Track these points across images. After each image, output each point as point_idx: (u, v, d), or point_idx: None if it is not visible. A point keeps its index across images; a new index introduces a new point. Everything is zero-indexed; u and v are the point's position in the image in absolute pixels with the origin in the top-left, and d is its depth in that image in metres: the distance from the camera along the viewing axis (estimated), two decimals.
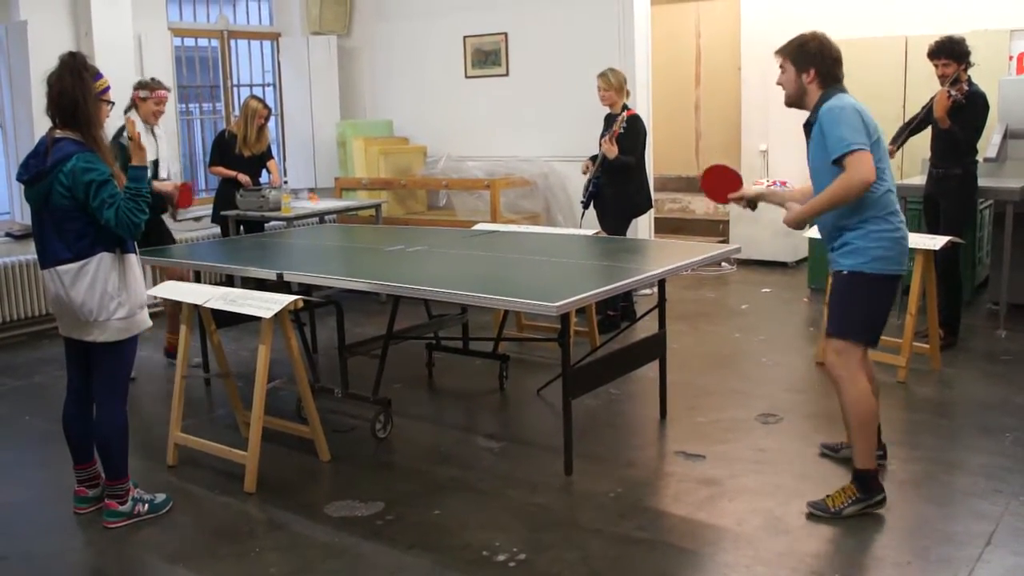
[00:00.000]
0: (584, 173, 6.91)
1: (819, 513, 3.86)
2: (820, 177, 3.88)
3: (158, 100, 6.23)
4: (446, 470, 4.54)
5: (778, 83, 4.05)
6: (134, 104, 6.21)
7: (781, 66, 4.01)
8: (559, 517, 3.99)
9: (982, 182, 6.42)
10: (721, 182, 4.38)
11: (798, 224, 3.96)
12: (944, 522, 3.82)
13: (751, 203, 4.38)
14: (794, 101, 4.03)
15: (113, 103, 3.94)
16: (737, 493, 4.17)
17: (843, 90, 3.92)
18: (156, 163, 6.22)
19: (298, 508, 4.13)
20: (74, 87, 3.73)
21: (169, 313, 6.42)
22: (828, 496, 3.90)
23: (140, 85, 6.30)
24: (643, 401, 5.42)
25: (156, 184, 5.88)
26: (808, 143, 3.99)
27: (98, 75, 3.85)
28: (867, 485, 3.87)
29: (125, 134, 5.95)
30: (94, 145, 3.78)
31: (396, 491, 4.27)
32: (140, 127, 5.99)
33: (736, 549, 3.68)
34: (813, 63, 3.90)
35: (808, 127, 3.97)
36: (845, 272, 3.85)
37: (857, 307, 3.87)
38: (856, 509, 3.84)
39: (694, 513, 3.98)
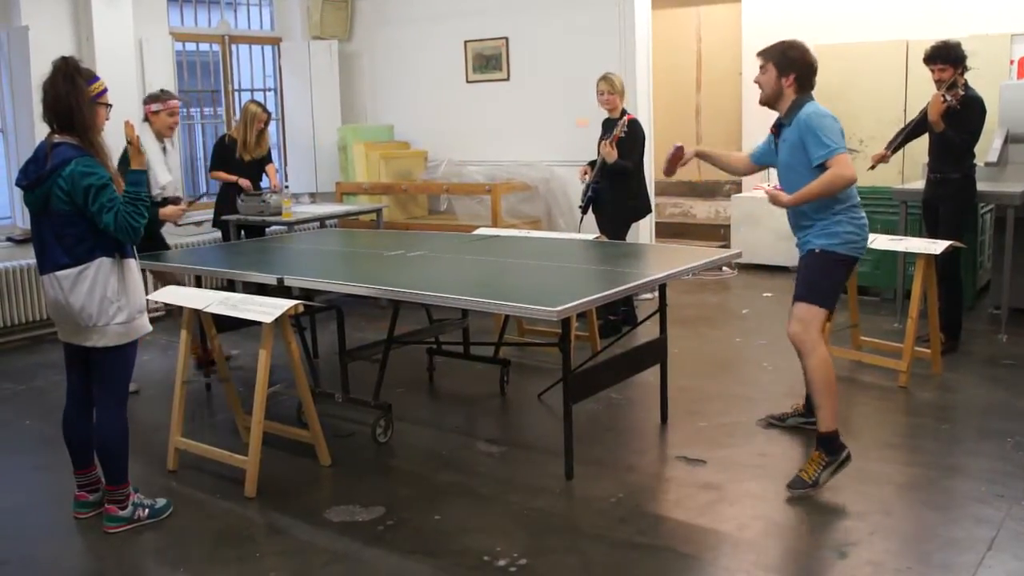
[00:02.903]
0: (581, 179, 6.91)
1: (799, 491, 4.06)
2: (792, 174, 4.29)
3: (171, 111, 6.09)
4: (447, 475, 4.54)
5: (756, 81, 4.39)
6: (147, 119, 6.11)
7: (762, 67, 4.33)
8: (560, 522, 3.98)
9: (983, 186, 6.42)
10: (674, 162, 4.72)
11: (784, 205, 4.28)
12: (945, 527, 3.81)
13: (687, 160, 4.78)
14: (769, 101, 4.37)
15: (111, 105, 3.92)
16: (738, 498, 4.16)
17: (812, 97, 4.31)
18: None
19: (299, 513, 4.13)
20: (68, 92, 3.72)
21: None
22: (800, 471, 4.14)
23: (150, 98, 6.17)
24: (644, 406, 5.42)
25: (163, 212, 5.78)
26: (777, 141, 4.41)
27: (94, 78, 3.84)
28: (832, 447, 4.15)
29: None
30: (92, 149, 3.77)
31: (397, 496, 4.27)
32: (154, 144, 5.97)
33: (737, 554, 3.68)
34: (794, 68, 4.25)
35: (779, 128, 4.38)
36: (817, 250, 4.25)
37: (824, 279, 4.26)
38: (829, 473, 4.12)
39: (695, 518, 3.97)
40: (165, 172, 6.01)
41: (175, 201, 5.98)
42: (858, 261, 4.40)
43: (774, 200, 4.31)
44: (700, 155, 4.78)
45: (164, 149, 6.16)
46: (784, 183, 4.39)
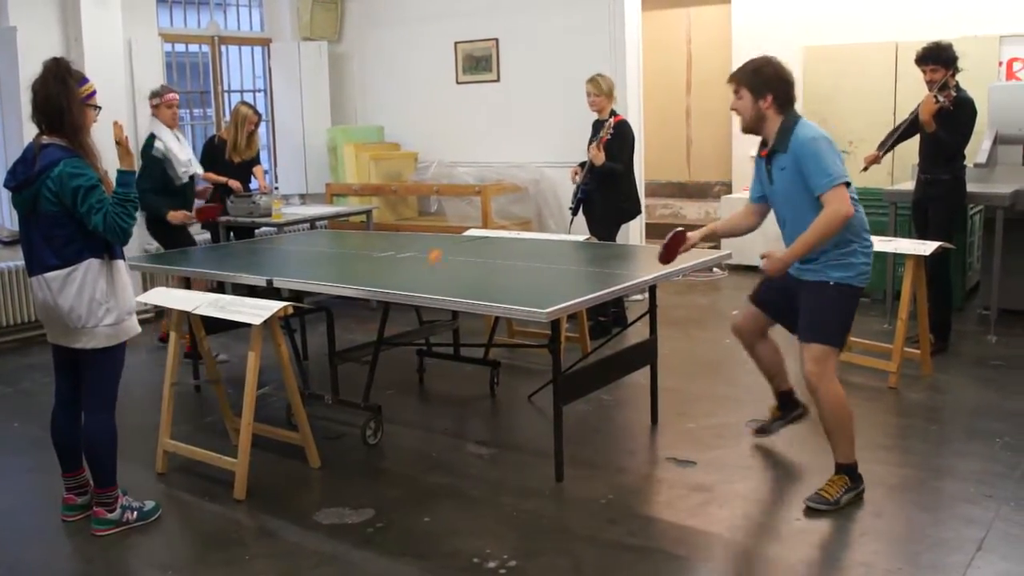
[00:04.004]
0: (573, 180, 6.91)
1: (819, 507, 3.93)
2: (794, 205, 3.96)
3: (168, 104, 6.60)
4: (437, 477, 4.53)
5: (732, 109, 4.06)
6: (154, 114, 6.65)
7: (736, 92, 4.01)
8: (550, 524, 3.98)
9: (972, 187, 6.44)
10: (673, 248, 4.30)
11: (784, 269, 3.97)
12: (934, 528, 3.82)
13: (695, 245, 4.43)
14: (751, 127, 4.04)
15: (99, 108, 3.91)
16: (728, 499, 4.17)
17: (800, 116, 3.98)
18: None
19: (288, 515, 4.12)
20: (59, 93, 3.71)
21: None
22: (821, 489, 3.99)
23: (151, 95, 6.72)
24: (634, 407, 5.42)
25: (172, 215, 6.49)
26: (768, 171, 4.03)
27: (83, 80, 3.82)
28: (855, 475, 4.03)
29: (156, 144, 6.51)
30: (81, 150, 3.76)
31: (386, 498, 4.26)
32: (167, 132, 6.55)
33: (727, 555, 3.68)
34: (770, 88, 3.93)
35: (769, 155, 4.01)
36: (832, 283, 3.94)
37: (840, 316, 4.01)
38: (850, 496, 4.01)
39: (685, 519, 3.97)
40: (183, 152, 6.61)
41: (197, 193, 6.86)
42: None
43: (770, 267, 3.95)
44: (707, 239, 4.42)
45: (177, 138, 6.67)
46: (785, 216, 4.07)
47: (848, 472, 4.01)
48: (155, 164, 6.41)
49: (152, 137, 6.55)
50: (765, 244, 8.94)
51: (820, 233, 3.80)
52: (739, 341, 4.58)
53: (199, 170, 6.89)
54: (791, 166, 3.90)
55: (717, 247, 9.34)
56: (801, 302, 4.06)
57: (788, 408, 4.70)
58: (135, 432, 4.98)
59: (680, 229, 4.28)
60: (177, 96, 6.71)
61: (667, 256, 4.27)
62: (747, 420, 5.01)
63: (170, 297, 4.78)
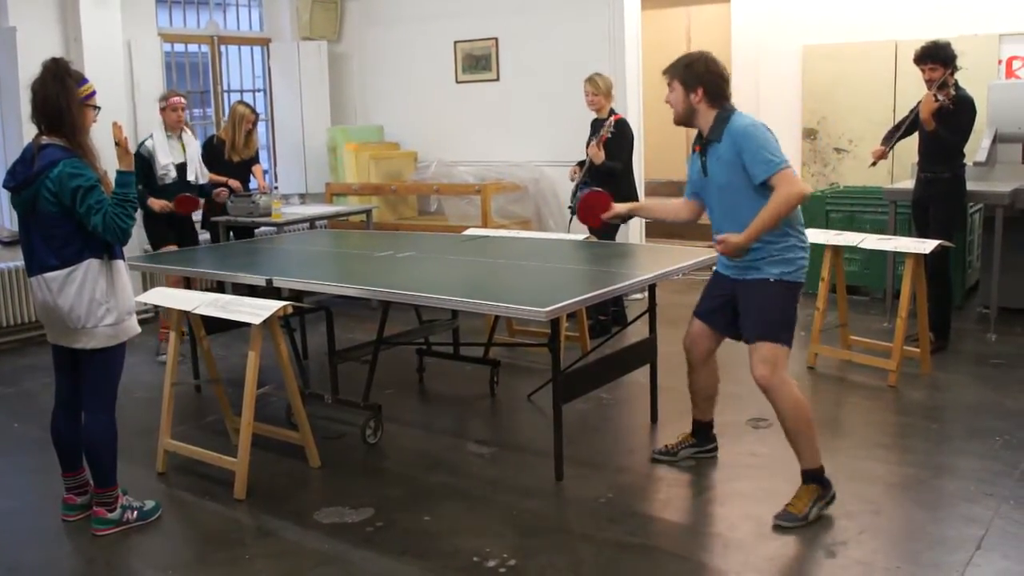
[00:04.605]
0: (572, 178, 6.91)
1: (788, 524, 3.81)
2: (731, 196, 3.94)
3: (173, 107, 6.69)
4: (436, 476, 4.53)
5: (666, 101, 4.12)
6: (161, 116, 6.77)
7: (669, 85, 4.08)
8: (550, 522, 3.98)
9: (972, 186, 6.44)
10: (593, 208, 4.39)
11: (741, 252, 3.89)
12: (934, 526, 3.82)
13: (624, 217, 4.46)
14: (683, 120, 4.10)
15: (99, 108, 3.91)
16: (728, 498, 4.17)
17: (736, 110, 4.00)
18: (182, 167, 6.75)
19: (288, 515, 4.12)
20: (58, 94, 3.71)
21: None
22: (789, 504, 3.87)
23: (160, 98, 6.88)
24: (634, 406, 5.42)
25: (151, 201, 6.55)
26: (703, 161, 4.04)
27: (83, 80, 3.82)
28: (823, 480, 3.92)
29: (146, 142, 6.63)
30: (80, 151, 3.76)
31: (386, 497, 4.26)
32: (162, 135, 6.68)
33: (727, 554, 3.68)
34: (701, 82, 3.97)
35: (705, 147, 4.03)
36: (772, 280, 3.91)
37: (784, 312, 3.95)
38: (820, 508, 3.87)
39: (685, 518, 3.98)
40: (164, 155, 6.67)
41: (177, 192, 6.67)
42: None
43: (728, 250, 3.88)
44: (635, 212, 4.43)
45: (181, 142, 6.78)
46: (720, 208, 4.03)
47: (816, 479, 3.90)
48: (140, 161, 6.41)
49: (148, 137, 6.70)
50: None
51: (776, 212, 3.76)
52: (687, 356, 4.46)
53: (202, 174, 6.92)
54: (727, 155, 3.90)
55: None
56: (742, 304, 4.03)
57: (704, 439, 4.59)
58: (135, 432, 4.99)
59: (599, 190, 4.33)
60: (182, 100, 6.76)
61: (583, 214, 4.39)
62: (747, 419, 4.99)
63: (170, 297, 4.78)
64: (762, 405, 5.14)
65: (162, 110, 6.75)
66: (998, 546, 3.61)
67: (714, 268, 4.29)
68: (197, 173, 6.84)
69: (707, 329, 4.35)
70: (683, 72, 4.01)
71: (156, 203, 6.56)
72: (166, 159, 6.65)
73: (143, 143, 6.66)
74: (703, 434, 4.60)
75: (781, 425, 3.95)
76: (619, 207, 4.42)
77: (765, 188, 3.80)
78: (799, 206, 3.86)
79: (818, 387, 5.68)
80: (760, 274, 3.94)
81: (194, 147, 6.90)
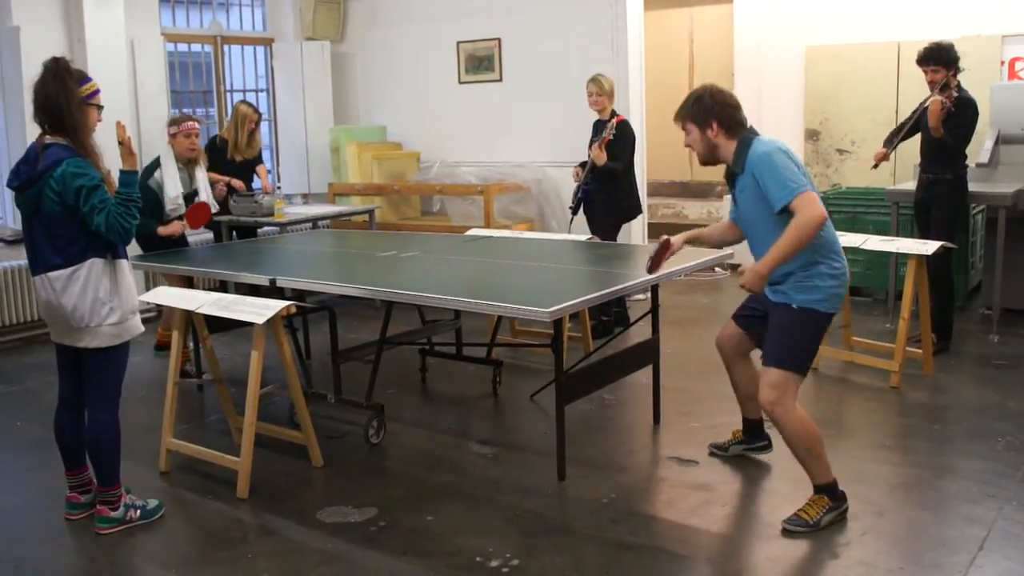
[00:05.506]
0: (574, 179, 6.91)
1: (798, 529, 3.79)
2: (758, 227, 3.91)
3: (187, 132, 6.22)
4: (439, 476, 4.54)
5: (686, 145, 4.04)
6: (170, 143, 6.26)
7: (684, 129, 3.99)
8: (552, 523, 3.99)
9: (974, 187, 6.44)
10: (659, 258, 4.30)
11: (762, 282, 3.80)
12: (937, 527, 3.82)
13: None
14: (708, 159, 4.02)
15: (102, 107, 3.91)
16: (730, 499, 4.17)
17: (756, 133, 3.93)
18: (189, 198, 6.29)
19: (291, 514, 4.12)
20: (58, 93, 3.71)
21: (166, 312, 6.43)
22: (801, 510, 3.85)
23: (170, 122, 6.37)
24: (636, 406, 5.42)
25: (161, 230, 6.10)
26: (734, 193, 4.02)
27: (85, 79, 3.82)
28: (835, 494, 3.88)
29: (155, 175, 6.11)
30: (83, 150, 3.76)
31: (389, 497, 4.27)
32: (172, 165, 6.18)
33: (729, 555, 3.69)
34: (713, 116, 3.89)
35: (732, 178, 3.98)
36: (795, 307, 3.82)
37: (802, 341, 3.86)
38: (832, 517, 3.84)
39: (687, 519, 3.98)
40: (173, 187, 6.18)
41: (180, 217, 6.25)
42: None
43: (748, 281, 3.78)
44: (690, 243, 4.34)
45: (190, 171, 6.33)
46: (754, 236, 3.98)
47: (828, 492, 3.86)
48: (148, 194, 5.91)
49: (156, 166, 6.20)
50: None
51: (794, 239, 3.65)
52: (720, 355, 4.46)
53: (179, 209, 6.29)
54: (749, 186, 3.85)
55: (718, 247, 9.36)
56: (770, 324, 3.97)
57: (753, 437, 4.58)
58: (138, 431, 4.99)
59: (665, 238, 4.27)
60: (197, 125, 6.29)
61: (654, 266, 4.30)
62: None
63: (173, 296, 4.79)
64: None
65: (172, 136, 6.22)
66: (1000, 547, 3.61)
67: None
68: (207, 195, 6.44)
69: (739, 332, 4.32)
70: (692, 111, 3.93)
71: (168, 228, 6.11)
72: (175, 191, 6.18)
73: (152, 174, 6.13)
74: (752, 431, 4.58)
75: (789, 448, 3.91)
76: (677, 241, 4.28)
77: (786, 215, 3.70)
78: (823, 231, 3.73)
79: (820, 388, 5.68)
80: (785, 299, 3.87)
81: (202, 175, 6.45)
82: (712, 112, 3.89)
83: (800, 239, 3.66)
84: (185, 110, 9.29)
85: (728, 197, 4.31)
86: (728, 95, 3.95)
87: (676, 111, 4.02)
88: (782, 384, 3.79)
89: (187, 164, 6.32)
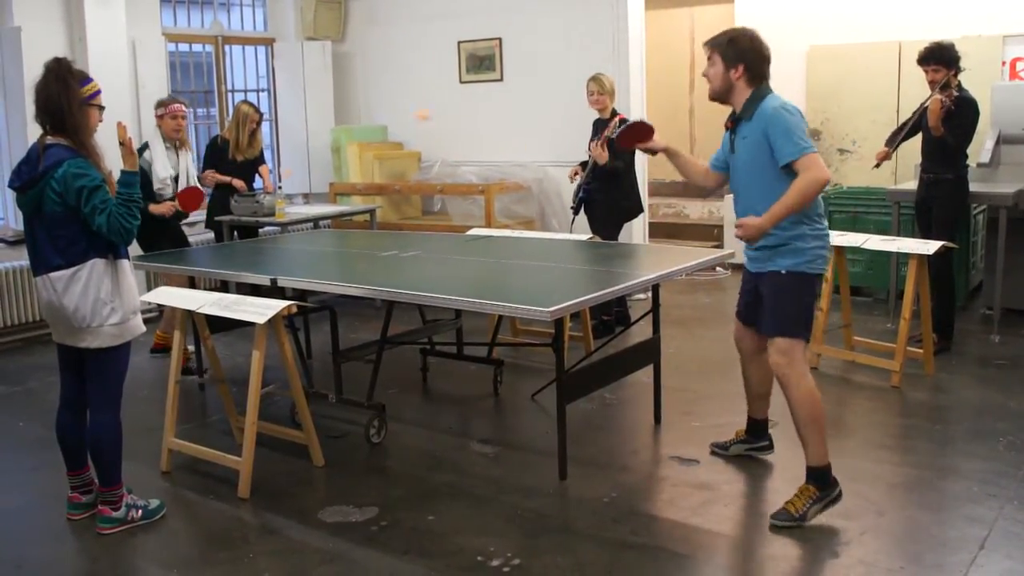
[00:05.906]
0: (572, 180, 6.91)
1: (784, 523, 3.79)
2: (754, 175, 3.92)
3: (173, 114, 6.38)
4: (440, 475, 4.54)
5: (704, 75, 4.04)
6: (157, 124, 6.42)
7: (709, 57, 3.98)
8: (553, 522, 3.99)
9: (975, 187, 6.44)
10: (636, 135, 4.33)
11: (760, 235, 3.86)
12: (937, 527, 3.82)
13: (654, 151, 4.38)
14: (719, 95, 4.01)
15: (103, 107, 3.91)
16: (731, 498, 4.17)
17: (771, 90, 3.94)
18: (176, 180, 6.44)
19: (292, 514, 4.13)
20: (59, 94, 3.72)
21: (167, 314, 6.47)
22: (787, 503, 3.85)
23: (157, 104, 6.52)
24: (637, 406, 5.42)
25: (153, 207, 6.15)
26: (733, 139, 4.02)
27: (86, 80, 3.83)
28: (825, 480, 3.88)
29: (144, 154, 6.23)
30: (84, 151, 3.77)
31: (390, 496, 4.27)
32: (160, 145, 6.35)
33: (730, 554, 3.69)
34: (743, 59, 3.89)
35: (735, 124, 4.00)
36: (784, 272, 3.89)
37: (797, 305, 3.91)
38: (818, 508, 3.83)
39: (688, 518, 3.98)
40: (163, 168, 6.35)
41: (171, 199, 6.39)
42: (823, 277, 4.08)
43: (746, 233, 3.84)
44: (668, 151, 4.31)
45: (176, 151, 6.48)
46: (742, 187, 4.02)
47: (819, 478, 3.86)
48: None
49: (145, 147, 6.34)
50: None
51: (799, 196, 3.72)
52: (738, 352, 4.48)
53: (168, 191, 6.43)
54: (754, 135, 3.87)
55: (719, 246, 9.37)
56: (763, 298, 4.02)
57: (756, 437, 4.58)
58: (140, 431, 5.00)
59: (650, 126, 4.31)
60: (182, 107, 6.45)
61: (626, 135, 4.36)
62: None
63: (174, 296, 4.79)
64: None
65: (159, 117, 6.41)
66: (1001, 547, 3.62)
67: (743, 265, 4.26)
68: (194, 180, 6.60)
69: (745, 328, 4.35)
70: (725, 46, 3.91)
71: (159, 207, 6.22)
72: (165, 172, 6.33)
73: (141, 155, 6.16)
74: (756, 431, 4.58)
75: (792, 415, 3.94)
76: (658, 141, 4.31)
77: (787, 171, 3.76)
78: (821, 191, 3.80)
79: (821, 388, 5.60)
80: (773, 266, 3.93)
81: (188, 161, 6.57)
82: (744, 55, 3.89)
83: (805, 197, 3.72)
84: (186, 110, 9.31)
85: (729, 197, 4.32)
86: (765, 46, 3.94)
87: (710, 38, 4.00)
88: (789, 349, 3.87)
89: (175, 147, 6.48)
